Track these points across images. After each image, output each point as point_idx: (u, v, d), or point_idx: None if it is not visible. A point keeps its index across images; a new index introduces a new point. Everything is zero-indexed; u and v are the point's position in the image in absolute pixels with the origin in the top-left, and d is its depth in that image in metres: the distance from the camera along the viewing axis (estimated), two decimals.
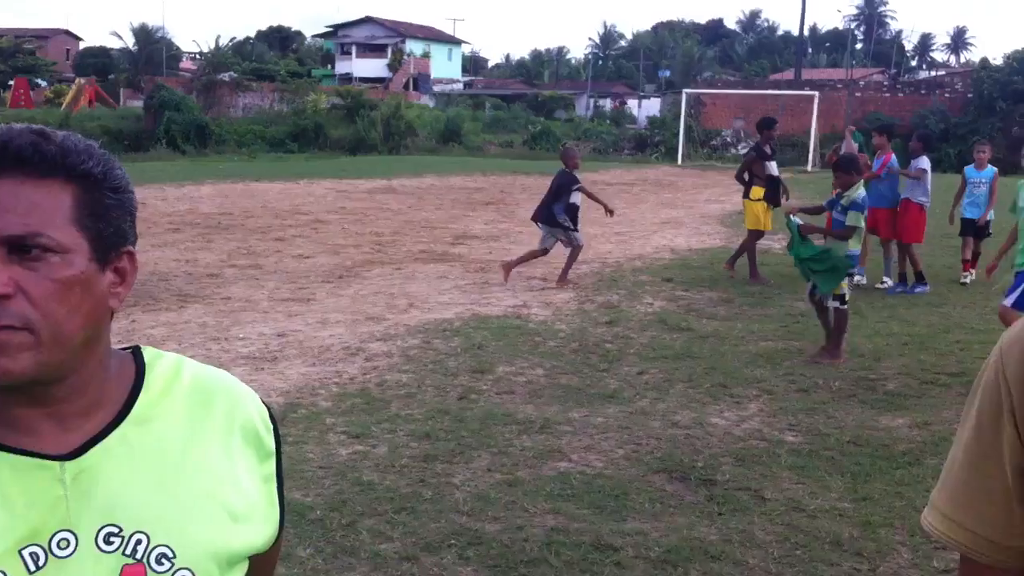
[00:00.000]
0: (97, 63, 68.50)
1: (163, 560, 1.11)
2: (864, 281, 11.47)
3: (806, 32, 76.17)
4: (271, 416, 1.28)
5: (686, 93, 40.89)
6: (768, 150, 12.09)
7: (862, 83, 54.20)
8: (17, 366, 1.04)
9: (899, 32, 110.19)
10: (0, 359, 1.04)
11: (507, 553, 4.46)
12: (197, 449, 1.18)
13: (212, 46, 54.54)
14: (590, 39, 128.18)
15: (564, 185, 11.50)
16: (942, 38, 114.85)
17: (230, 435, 1.21)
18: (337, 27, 76.86)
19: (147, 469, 1.14)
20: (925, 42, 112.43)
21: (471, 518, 4.80)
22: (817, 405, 6.85)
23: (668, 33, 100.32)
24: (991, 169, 11.86)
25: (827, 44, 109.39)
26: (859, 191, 8.14)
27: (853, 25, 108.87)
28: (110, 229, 1.13)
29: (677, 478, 5.49)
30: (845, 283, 8.10)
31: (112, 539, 1.10)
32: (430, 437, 5.96)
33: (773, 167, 12.14)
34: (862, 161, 11.63)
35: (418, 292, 10.70)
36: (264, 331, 8.74)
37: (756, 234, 12.14)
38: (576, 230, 11.42)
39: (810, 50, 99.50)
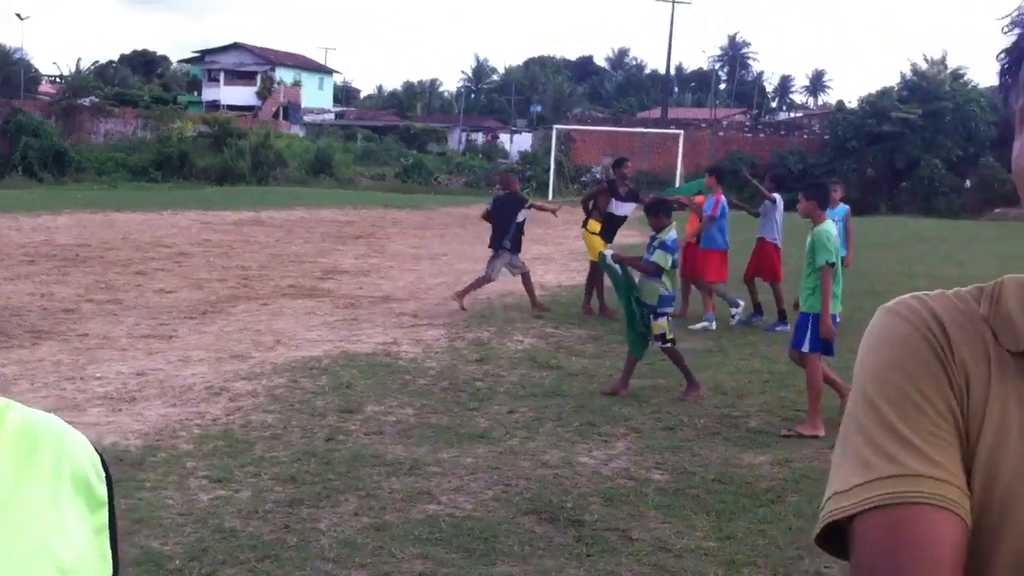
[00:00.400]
0: None
1: None
2: (712, 326, 11.51)
3: (672, 71, 78.44)
4: (103, 463, 1.18)
5: (557, 129, 41.50)
6: (622, 190, 12.31)
7: (725, 123, 55.94)
8: None
9: (760, 73, 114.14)
10: None
11: None
12: (22, 499, 1.09)
13: (73, 69, 52.94)
14: (463, 72, 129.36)
15: (513, 205, 12.04)
16: (801, 80, 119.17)
17: (58, 483, 1.12)
18: (204, 53, 75.48)
19: None
20: (785, 84, 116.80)
21: (337, 565, 4.70)
22: (683, 443, 6.96)
23: (540, 68, 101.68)
24: (843, 207, 11.95)
25: (692, 84, 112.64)
26: (670, 233, 8.43)
27: (717, 66, 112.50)
28: None
29: (546, 519, 5.49)
30: (664, 323, 8.30)
31: None
32: (295, 480, 5.83)
33: (620, 207, 12.30)
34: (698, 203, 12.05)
35: (285, 329, 10.51)
36: (122, 370, 8.43)
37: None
38: (516, 253, 12.00)
39: (676, 89, 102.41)
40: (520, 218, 12.13)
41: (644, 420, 7.50)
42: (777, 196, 12.22)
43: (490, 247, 12.36)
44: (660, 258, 8.26)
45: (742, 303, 11.89)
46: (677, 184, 34.00)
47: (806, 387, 7.58)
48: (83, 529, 1.13)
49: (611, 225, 12.35)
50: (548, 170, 38.15)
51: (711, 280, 11.89)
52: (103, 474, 1.17)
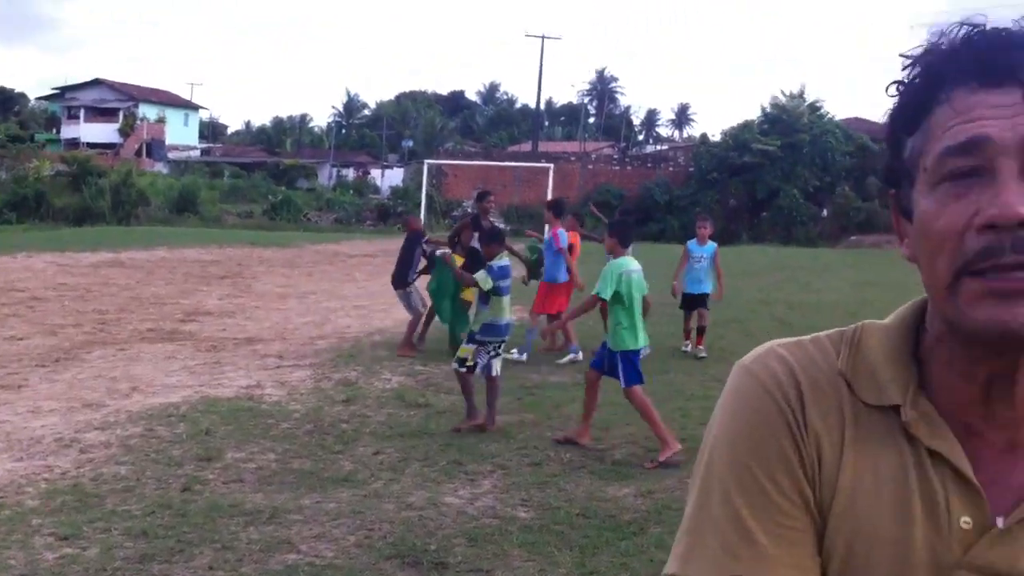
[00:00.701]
0: None
1: None
2: (579, 357, 11.51)
3: (542, 105, 79.48)
4: None
5: (427, 163, 41.52)
6: (485, 224, 12.30)
7: (594, 156, 56.89)
8: None
9: (628, 108, 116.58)
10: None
11: None
12: None
13: None
14: (333, 107, 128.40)
15: (414, 241, 12.37)
16: (667, 113, 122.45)
17: None
18: (64, 89, 73.29)
19: None
20: (651, 117, 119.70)
21: None
22: (548, 478, 6.97)
23: (411, 103, 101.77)
24: (712, 245, 12.20)
25: (562, 118, 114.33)
26: (501, 260, 8.63)
27: (586, 100, 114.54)
28: None
29: (409, 563, 5.40)
30: (471, 349, 8.38)
31: None
32: (147, 535, 5.61)
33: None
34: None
35: (143, 374, 10.17)
36: None
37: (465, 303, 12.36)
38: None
39: (546, 123, 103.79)
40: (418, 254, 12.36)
41: (511, 456, 7.49)
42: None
43: (394, 286, 12.40)
44: (480, 276, 8.46)
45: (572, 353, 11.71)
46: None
47: (642, 418, 7.81)
48: None
49: (474, 260, 12.32)
50: (419, 204, 38.06)
51: (547, 312, 11.82)
52: None
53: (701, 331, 11.85)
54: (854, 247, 37.87)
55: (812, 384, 1.02)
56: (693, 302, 12.13)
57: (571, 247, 12.30)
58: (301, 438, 7.92)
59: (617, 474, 7.12)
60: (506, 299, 8.59)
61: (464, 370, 8.35)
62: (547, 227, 12.65)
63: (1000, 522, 0.94)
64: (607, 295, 7.72)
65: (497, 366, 8.44)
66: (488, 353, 8.39)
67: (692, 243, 12.33)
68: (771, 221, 43.11)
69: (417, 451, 7.59)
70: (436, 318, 12.22)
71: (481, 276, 8.47)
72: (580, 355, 11.54)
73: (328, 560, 5.39)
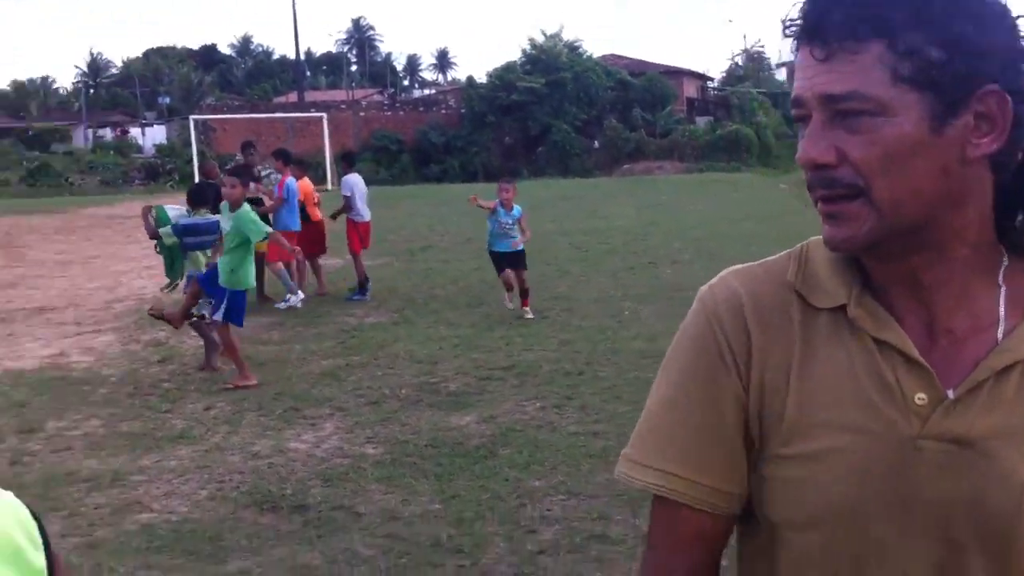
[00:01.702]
0: None
1: None
2: (298, 303, 11.46)
3: (302, 56, 77.66)
4: (41, 528, 1.04)
5: (193, 119, 39.95)
6: (252, 173, 12.16)
7: (364, 103, 56.25)
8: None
9: (389, 54, 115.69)
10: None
11: None
12: None
13: None
14: (77, 67, 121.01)
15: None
16: (428, 59, 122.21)
17: None
18: None
19: None
20: (413, 63, 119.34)
21: None
22: (390, 415, 7.01)
23: (161, 59, 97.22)
24: (518, 209, 10.93)
25: (324, 67, 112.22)
26: (191, 218, 9.01)
27: (346, 48, 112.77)
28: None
29: (268, 509, 5.35)
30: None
31: None
32: None
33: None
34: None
35: None
36: None
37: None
38: None
39: (308, 73, 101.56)
40: None
41: (347, 398, 7.48)
42: (349, 177, 12.48)
43: None
44: (164, 232, 8.85)
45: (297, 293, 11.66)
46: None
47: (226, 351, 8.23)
48: None
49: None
50: (190, 161, 36.61)
51: (272, 260, 11.54)
52: (40, 542, 1.03)
53: (524, 293, 10.83)
54: (627, 175, 39.24)
55: (755, 305, 1.14)
56: (507, 261, 10.86)
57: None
58: (124, 401, 7.62)
59: (455, 404, 7.24)
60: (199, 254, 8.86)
61: (199, 322, 8.61)
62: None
63: (951, 393, 1.06)
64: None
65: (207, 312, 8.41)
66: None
67: (499, 206, 10.92)
68: (547, 156, 44.00)
69: (249, 402, 7.46)
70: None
71: (164, 231, 8.81)
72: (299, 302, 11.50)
73: (183, 515, 5.27)
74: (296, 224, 11.78)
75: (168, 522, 5.18)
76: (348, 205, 12.27)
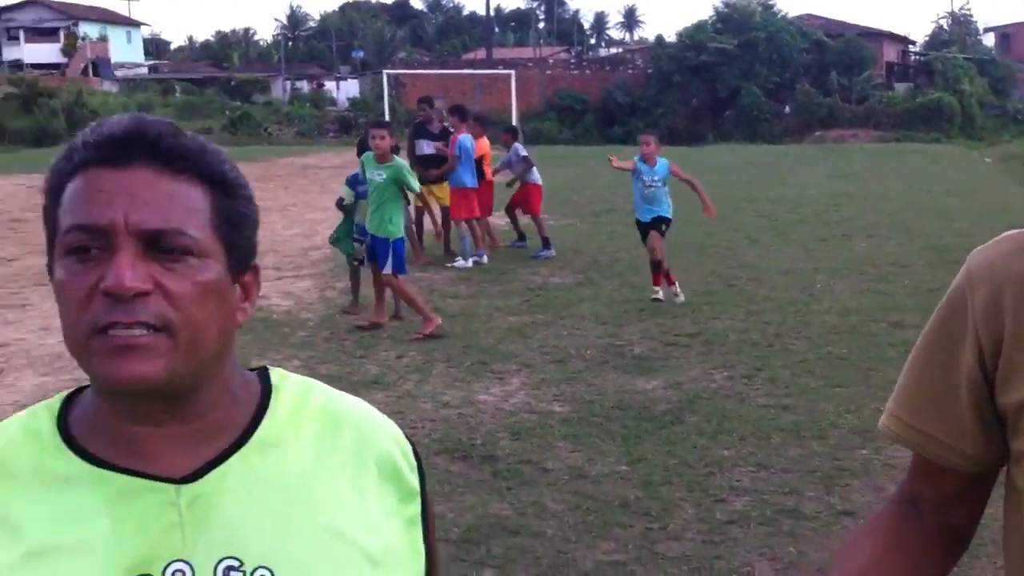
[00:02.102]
0: None
1: None
2: (483, 260, 11.71)
3: (491, 12, 78.22)
4: (415, 453, 1.14)
5: (386, 73, 40.90)
6: (429, 129, 12.43)
7: (551, 61, 56.34)
8: (152, 371, 0.94)
9: (577, 11, 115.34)
10: (134, 363, 0.93)
11: None
12: (324, 481, 1.04)
13: None
14: (276, 20, 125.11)
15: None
16: (615, 16, 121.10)
17: (362, 469, 1.07)
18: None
19: (269, 498, 1.01)
20: (601, 20, 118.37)
21: None
22: (575, 374, 7.07)
23: (357, 13, 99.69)
24: (663, 162, 9.52)
25: (512, 24, 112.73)
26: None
27: (534, 4, 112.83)
28: (241, 240, 1.03)
29: (459, 457, 5.50)
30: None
31: (232, 573, 0.97)
32: None
33: (422, 145, 12.39)
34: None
35: None
36: None
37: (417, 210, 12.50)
38: None
39: (496, 29, 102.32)
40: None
41: (533, 355, 7.58)
42: (517, 145, 12.85)
43: None
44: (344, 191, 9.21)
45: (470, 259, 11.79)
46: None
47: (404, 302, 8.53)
48: (391, 520, 1.08)
49: (422, 165, 12.44)
50: (381, 115, 37.58)
51: (459, 216, 11.83)
52: (415, 463, 1.12)
53: (656, 267, 9.43)
54: (819, 142, 38.08)
55: (1008, 279, 1.15)
56: (652, 228, 9.51)
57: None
58: (321, 345, 7.95)
59: (641, 368, 7.23)
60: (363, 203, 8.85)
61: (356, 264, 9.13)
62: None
63: None
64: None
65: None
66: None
67: (639, 163, 9.53)
68: (735, 120, 43.12)
69: (439, 353, 7.65)
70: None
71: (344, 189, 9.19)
72: (485, 259, 11.72)
73: None
74: (473, 181, 11.95)
75: None
76: (528, 167, 12.63)
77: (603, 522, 4.64)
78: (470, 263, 11.58)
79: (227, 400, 1.04)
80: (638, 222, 9.70)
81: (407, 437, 1.15)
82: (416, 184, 8.57)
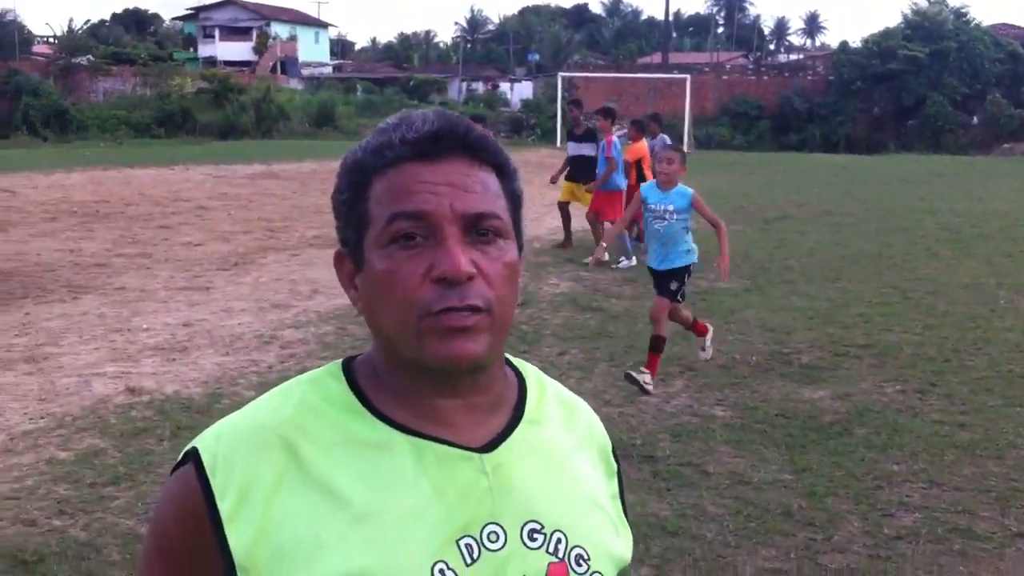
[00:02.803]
0: None
1: (581, 562, 1.08)
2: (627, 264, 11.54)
3: (670, 16, 77.61)
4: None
5: (561, 76, 41.18)
6: (576, 131, 12.91)
7: (728, 66, 55.51)
8: (479, 348, 1.02)
9: (757, 16, 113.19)
10: (466, 342, 1.02)
11: None
12: (577, 457, 1.18)
13: (65, 29, 52.32)
14: (456, 23, 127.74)
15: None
16: (796, 23, 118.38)
17: (591, 450, 1.21)
18: (198, 10, 74.63)
19: (547, 470, 1.12)
20: (782, 26, 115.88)
21: None
22: (739, 380, 6.95)
23: (535, 17, 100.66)
24: (685, 191, 6.94)
25: (690, 28, 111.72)
26: None
27: (715, 10, 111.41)
28: (522, 221, 1.13)
29: (619, 456, 5.47)
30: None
31: (536, 536, 1.07)
32: None
33: (569, 147, 12.88)
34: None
35: (320, 278, 10.45)
36: (168, 321, 8.40)
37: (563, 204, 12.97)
38: None
39: (674, 34, 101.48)
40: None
41: (696, 359, 7.48)
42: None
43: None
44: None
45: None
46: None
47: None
48: (606, 494, 1.20)
49: (574, 167, 12.69)
50: (553, 117, 37.89)
51: (610, 218, 11.72)
52: (611, 446, 1.26)
53: (654, 345, 6.77)
54: (1007, 155, 36.27)
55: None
56: (661, 282, 7.07)
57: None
58: None
59: (808, 377, 7.05)
60: None
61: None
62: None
63: None
64: None
65: None
66: None
67: (648, 187, 7.13)
68: (918, 129, 41.49)
69: (601, 352, 7.65)
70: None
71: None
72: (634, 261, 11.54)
73: None
74: (622, 183, 11.87)
75: None
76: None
77: (764, 529, 4.54)
78: (633, 261, 11.55)
79: (503, 376, 1.13)
80: (650, 268, 7.29)
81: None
82: None
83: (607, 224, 11.74)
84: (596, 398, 6.47)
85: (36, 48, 72.07)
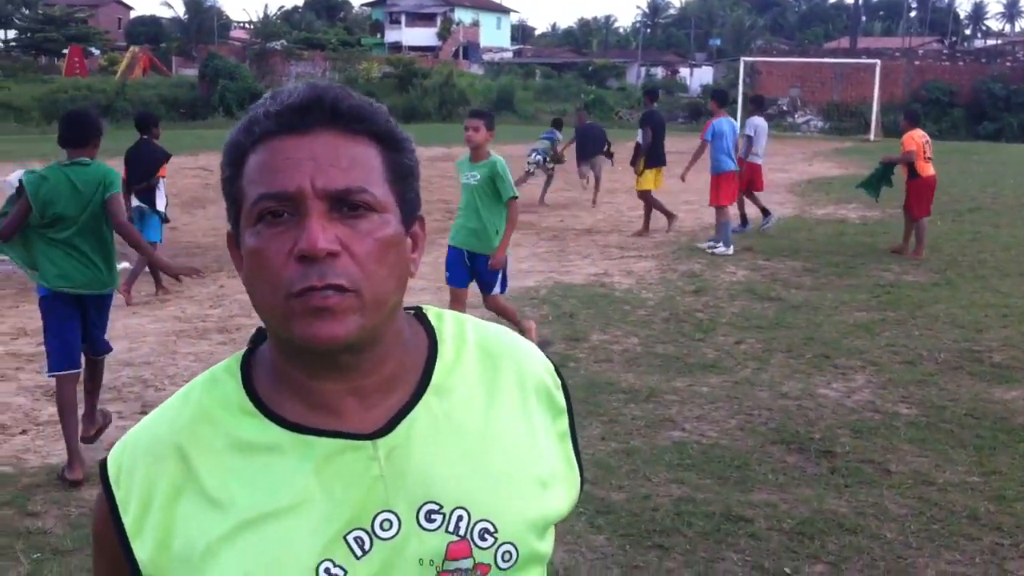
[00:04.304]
0: (148, 32, 68.77)
1: (486, 535, 1.05)
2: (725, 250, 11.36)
3: (860, 0, 74.87)
4: (557, 370, 1.20)
5: (744, 61, 40.31)
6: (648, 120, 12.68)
7: (920, 51, 53.18)
8: (344, 330, 0.98)
9: (952, 0, 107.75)
10: (330, 324, 0.98)
11: (637, 522, 4.37)
12: (496, 417, 1.11)
13: (261, 15, 54.58)
14: (638, 7, 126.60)
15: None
16: (995, 7, 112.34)
17: (525, 399, 1.14)
18: None
19: (454, 442, 1.07)
20: (979, 11, 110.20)
21: (595, 487, 4.70)
22: (926, 377, 6.68)
23: (717, 1, 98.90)
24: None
25: (880, 13, 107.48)
26: None
27: None
28: (411, 193, 1.08)
29: (795, 449, 5.36)
30: None
31: (433, 516, 1.04)
32: None
33: (637, 135, 12.77)
34: None
35: None
36: None
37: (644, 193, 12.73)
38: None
39: (863, 18, 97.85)
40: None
41: (880, 353, 7.23)
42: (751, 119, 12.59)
43: None
44: None
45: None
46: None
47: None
48: (550, 439, 1.15)
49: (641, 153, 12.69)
50: (735, 102, 37.12)
51: (718, 203, 11.62)
52: (559, 381, 1.18)
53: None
54: None
55: None
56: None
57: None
58: (659, 325, 8.00)
59: (1000, 376, 6.72)
60: None
61: None
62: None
63: None
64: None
65: None
66: None
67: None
68: None
69: (779, 342, 7.48)
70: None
71: None
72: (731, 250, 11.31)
73: (713, 440, 5.44)
74: (732, 164, 11.66)
75: (698, 443, 5.38)
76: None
77: (948, 532, 4.36)
78: (730, 250, 11.34)
79: (400, 349, 1.08)
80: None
81: (548, 357, 1.20)
82: (510, 190, 6.78)
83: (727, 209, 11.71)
84: (772, 389, 6.34)
85: (233, 33, 75.57)
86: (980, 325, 8.08)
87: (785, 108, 43.66)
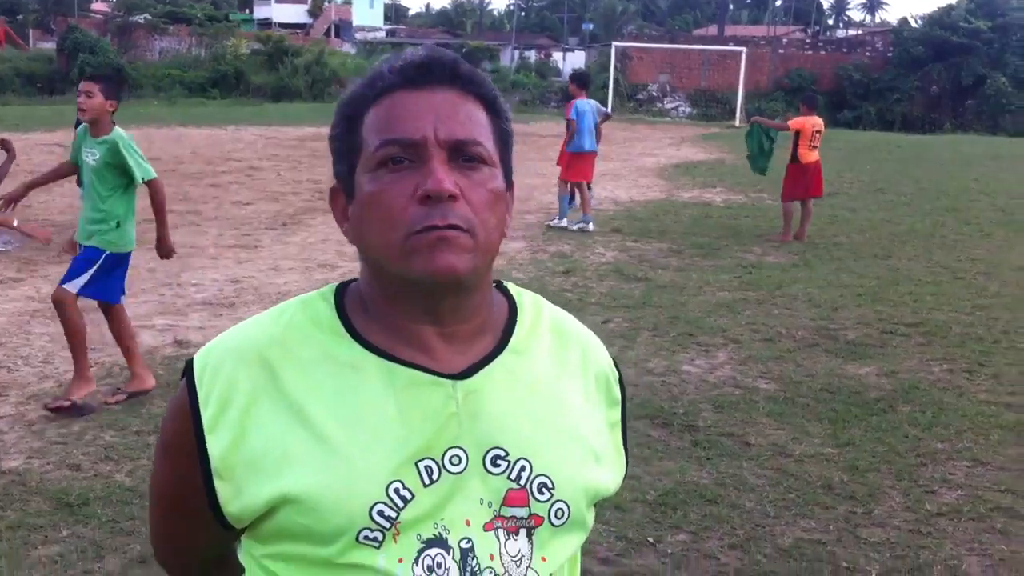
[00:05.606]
0: (4, 3, 65.68)
1: (544, 490, 1.12)
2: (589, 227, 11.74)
3: None
4: (616, 365, 1.28)
5: (615, 46, 40.83)
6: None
7: (784, 40, 54.69)
8: (461, 264, 1.06)
9: None
10: (448, 255, 1.05)
11: None
12: (563, 386, 1.19)
13: None
14: None
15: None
16: None
17: (586, 380, 1.22)
18: None
19: (525, 398, 1.15)
20: (841, 2, 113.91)
21: None
22: (784, 354, 6.90)
23: None
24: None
25: (748, 1, 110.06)
26: None
27: None
28: (509, 157, 1.17)
29: (659, 424, 5.48)
30: None
31: (499, 462, 1.11)
32: None
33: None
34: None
35: None
36: (216, 277, 8.50)
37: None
38: None
39: (731, 6, 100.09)
40: None
41: (741, 331, 7.44)
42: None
43: None
44: None
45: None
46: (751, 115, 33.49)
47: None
48: (604, 423, 1.23)
49: None
50: (604, 87, 37.56)
51: (571, 179, 11.98)
52: (617, 375, 1.27)
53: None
54: None
55: None
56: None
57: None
58: None
59: (853, 353, 6.99)
60: None
61: None
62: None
63: None
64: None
65: None
66: None
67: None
68: (976, 110, 40.69)
69: (645, 321, 7.63)
70: None
71: None
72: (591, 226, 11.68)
73: None
74: (591, 146, 11.95)
75: None
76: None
77: (804, 501, 4.53)
78: (564, 223, 11.77)
79: (487, 306, 1.17)
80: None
81: (610, 353, 1.28)
82: (146, 170, 5.59)
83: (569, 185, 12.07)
84: (638, 367, 6.46)
85: (95, 6, 72.68)
86: (835, 304, 8.39)
87: (655, 94, 44.39)
